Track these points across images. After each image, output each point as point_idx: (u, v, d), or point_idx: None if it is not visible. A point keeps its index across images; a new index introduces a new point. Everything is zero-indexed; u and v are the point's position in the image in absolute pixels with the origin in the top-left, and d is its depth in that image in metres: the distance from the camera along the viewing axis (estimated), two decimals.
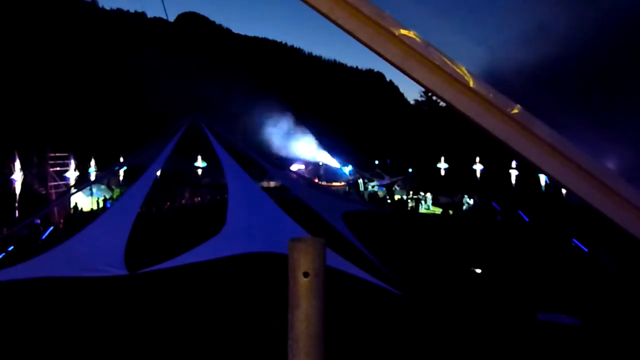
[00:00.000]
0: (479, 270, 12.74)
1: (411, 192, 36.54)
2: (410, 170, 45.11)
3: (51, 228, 20.08)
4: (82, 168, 30.18)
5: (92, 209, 28.32)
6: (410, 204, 33.28)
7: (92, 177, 30.48)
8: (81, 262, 9.49)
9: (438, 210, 32.05)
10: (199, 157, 41.77)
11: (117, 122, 61.38)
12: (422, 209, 32.58)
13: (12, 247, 16.37)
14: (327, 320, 1.42)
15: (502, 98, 1.51)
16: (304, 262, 1.38)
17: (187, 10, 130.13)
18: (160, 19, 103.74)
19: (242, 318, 10.13)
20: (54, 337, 9.13)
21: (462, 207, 31.58)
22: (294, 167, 44.22)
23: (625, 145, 1.63)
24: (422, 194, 35.66)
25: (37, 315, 10.19)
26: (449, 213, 30.02)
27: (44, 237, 18.56)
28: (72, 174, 28.13)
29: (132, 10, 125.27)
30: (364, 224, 15.75)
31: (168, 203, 30.44)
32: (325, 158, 50.22)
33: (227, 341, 9.20)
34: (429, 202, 34.13)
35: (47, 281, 9.65)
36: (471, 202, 31.98)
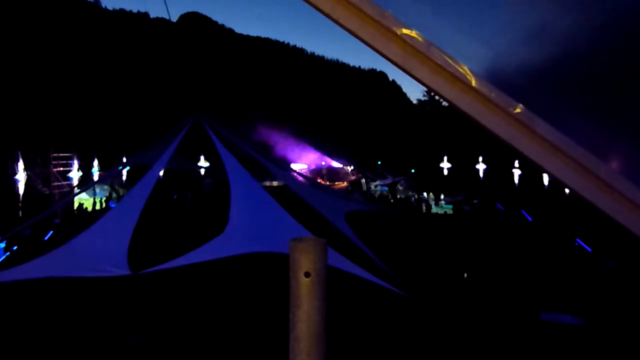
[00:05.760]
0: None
1: (425, 193, 36.24)
2: (412, 170, 45.09)
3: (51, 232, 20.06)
4: (85, 168, 30.25)
5: (94, 208, 28.37)
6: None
7: (96, 178, 30.57)
8: (84, 262, 9.51)
9: (441, 210, 31.95)
10: (202, 157, 41.83)
11: (120, 122, 61.53)
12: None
13: (15, 247, 16.43)
14: (328, 319, 1.41)
15: (504, 97, 1.51)
16: (305, 262, 1.38)
17: (190, 10, 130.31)
18: (162, 19, 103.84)
19: (244, 318, 10.13)
20: (57, 338, 9.15)
21: (475, 206, 31.02)
22: (296, 167, 44.26)
23: (628, 145, 1.62)
24: (425, 194, 35.58)
25: (40, 315, 10.21)
26: (449, 213, 29.92)
27: (46, 237, 18.59)
28: (75, 174, 28.21)
29: (134, 11, 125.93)
30: (366, 224, 15.73)
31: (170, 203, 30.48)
32: (327, 158, 50.32)
33: (230, 341, 9.21)
34: (432, 202, 34.05)
35: (49, 281, 9.67)
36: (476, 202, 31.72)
